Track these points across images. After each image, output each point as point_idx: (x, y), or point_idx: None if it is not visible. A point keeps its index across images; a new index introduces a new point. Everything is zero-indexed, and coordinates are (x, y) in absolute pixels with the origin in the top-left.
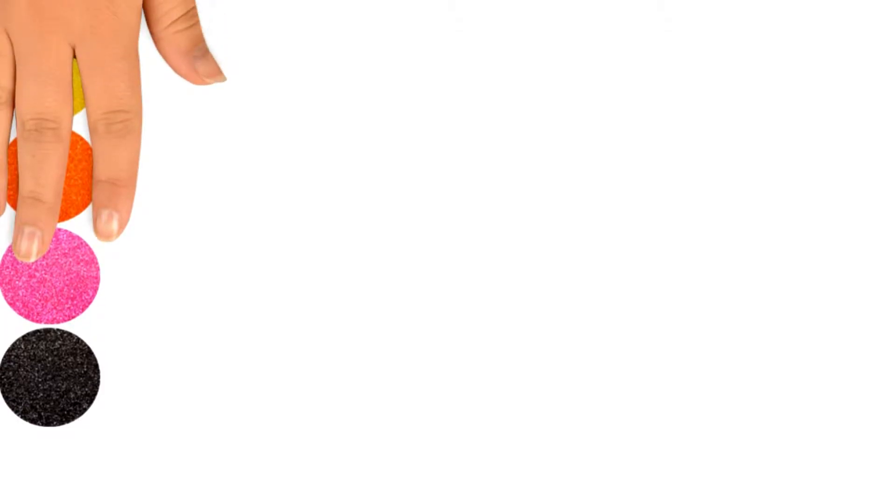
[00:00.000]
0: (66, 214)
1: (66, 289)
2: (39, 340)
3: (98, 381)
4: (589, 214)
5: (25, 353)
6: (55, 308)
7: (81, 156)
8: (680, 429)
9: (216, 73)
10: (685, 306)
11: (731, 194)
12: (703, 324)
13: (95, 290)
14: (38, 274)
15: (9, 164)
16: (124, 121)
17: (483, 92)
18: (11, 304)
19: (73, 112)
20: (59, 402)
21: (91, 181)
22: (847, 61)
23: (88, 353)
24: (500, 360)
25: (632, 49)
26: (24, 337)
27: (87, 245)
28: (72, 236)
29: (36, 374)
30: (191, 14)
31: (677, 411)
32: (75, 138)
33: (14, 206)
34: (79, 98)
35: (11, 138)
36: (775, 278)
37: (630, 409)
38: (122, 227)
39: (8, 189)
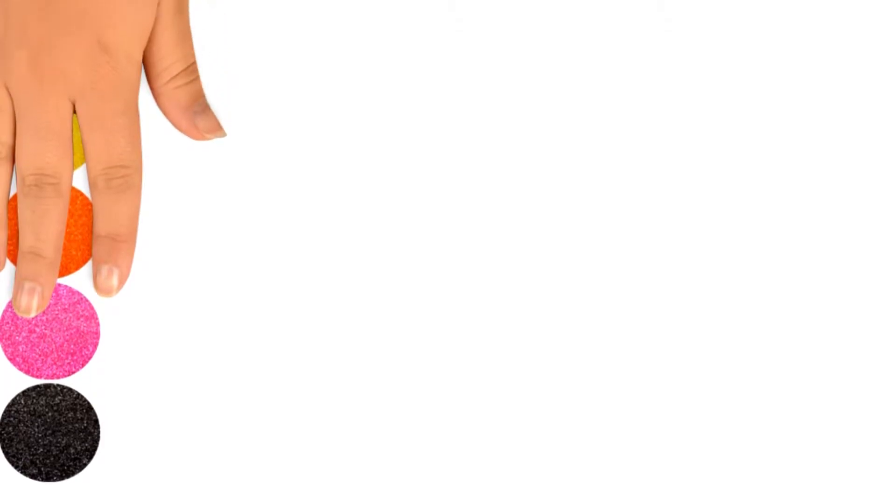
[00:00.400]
0: (66, 270)
1: (65, 344)
2: (39, 396)
3: (98, 437)
4: (589, 214)
5: (25, 409)
6: (55, 363)
7: (81, 211)
8: (680, 428)
9: (216, 129)
10: (685, 305)
11: (731, 194)
12: (703, 323)
13: (95, 345)
14: (38, 329)
15: (9, 219)
16: (124, 176)
17: (483, 92)
18: (11, 360)
19: (74, 167)
20: (59, 458)
21: (91, 236)
22: (847, 61)
23: (88, 409)
24: (500, 360)
25: (632, 49)
26: (24, 392)
27: (87, 300)
28: (72, 291)
29: (36, 430)
30: (191, 69)
31: (677, 411)
32: (75, 193)
33: (14, 262)
34: (79, 153)
35: (11, 193)
36: (775, 278)
37: (630, 409)
38: (122, 282)
39: (8, 244)
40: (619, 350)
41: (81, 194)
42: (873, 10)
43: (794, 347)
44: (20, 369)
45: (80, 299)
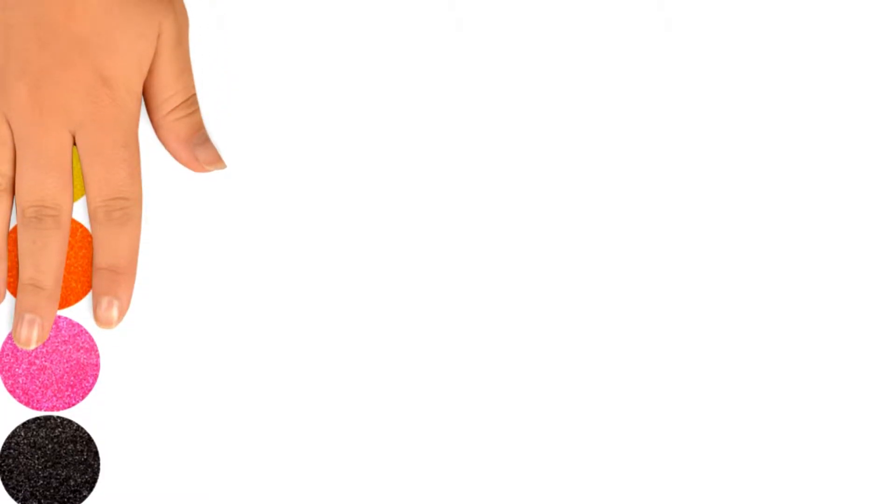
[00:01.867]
0: (66, 302)
1: (65, 376)
2: (39, 428)
3: (98, 469)
4: (589, 214)
5: (25, 441)
6: (55, 395)
7: (81, 243)
8: (680, 429)
9: (216, 161)
10: (685, 306)
11: (731, 194)
12: (703, 324)
13: (95, 377)
14: (38, 361)
15: (9, 251)
16: (124, 208)
17: (483, 92)
18: (11, 392)
19: (74, 199)
20: (59, 490)
21: (91, 268)
22: (847, 61)
23: (88, 441)
24: (500, 361)
25: (632, 49)
26: (24, 424)
27: (87, 332)
28: (72, 323)
29: (36, 462)
30: (191, 101)
31: (677, 411)
32: (75, 225)
33: (14, 294)
34: (79, 185)
35: (11, 225)
36: (775, 278)
37: (630, 410)
38: (122, 314)
39: (8, 276)
40: (617, 350)
41: (81, 226)
42: (873, 10)
43: (794, 347)
44: (20, 401)
45: (80, 331)
